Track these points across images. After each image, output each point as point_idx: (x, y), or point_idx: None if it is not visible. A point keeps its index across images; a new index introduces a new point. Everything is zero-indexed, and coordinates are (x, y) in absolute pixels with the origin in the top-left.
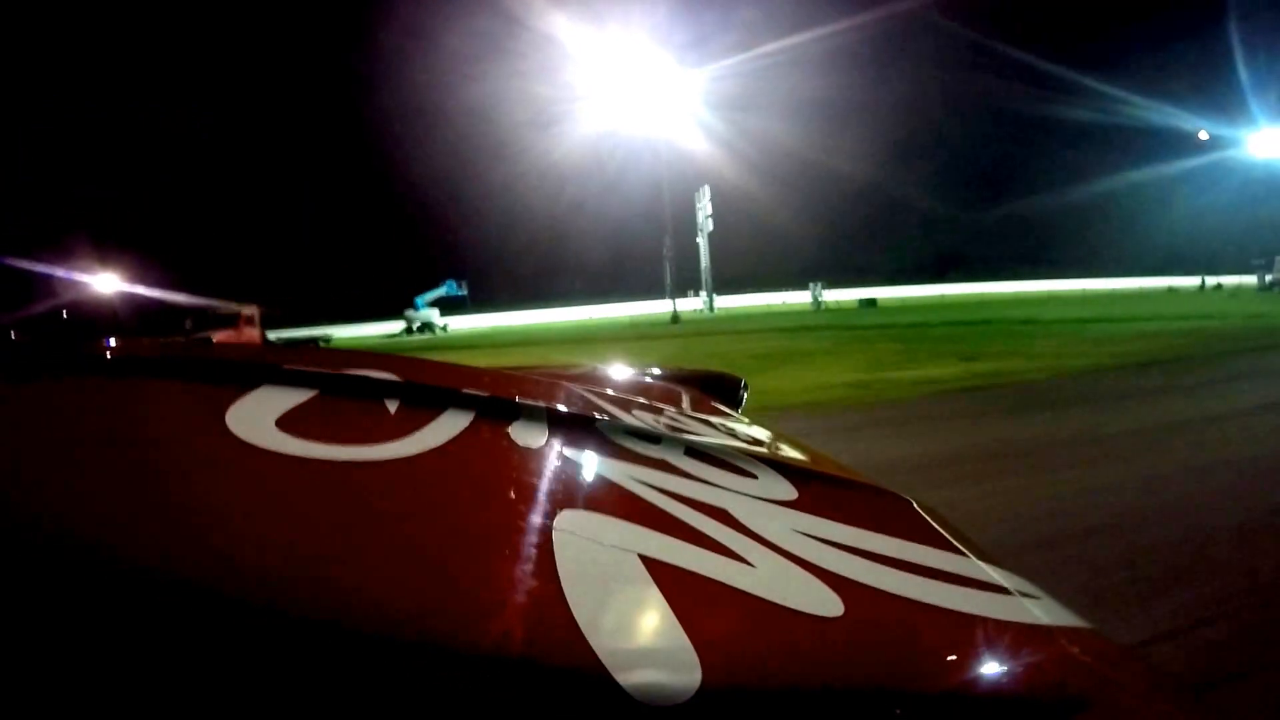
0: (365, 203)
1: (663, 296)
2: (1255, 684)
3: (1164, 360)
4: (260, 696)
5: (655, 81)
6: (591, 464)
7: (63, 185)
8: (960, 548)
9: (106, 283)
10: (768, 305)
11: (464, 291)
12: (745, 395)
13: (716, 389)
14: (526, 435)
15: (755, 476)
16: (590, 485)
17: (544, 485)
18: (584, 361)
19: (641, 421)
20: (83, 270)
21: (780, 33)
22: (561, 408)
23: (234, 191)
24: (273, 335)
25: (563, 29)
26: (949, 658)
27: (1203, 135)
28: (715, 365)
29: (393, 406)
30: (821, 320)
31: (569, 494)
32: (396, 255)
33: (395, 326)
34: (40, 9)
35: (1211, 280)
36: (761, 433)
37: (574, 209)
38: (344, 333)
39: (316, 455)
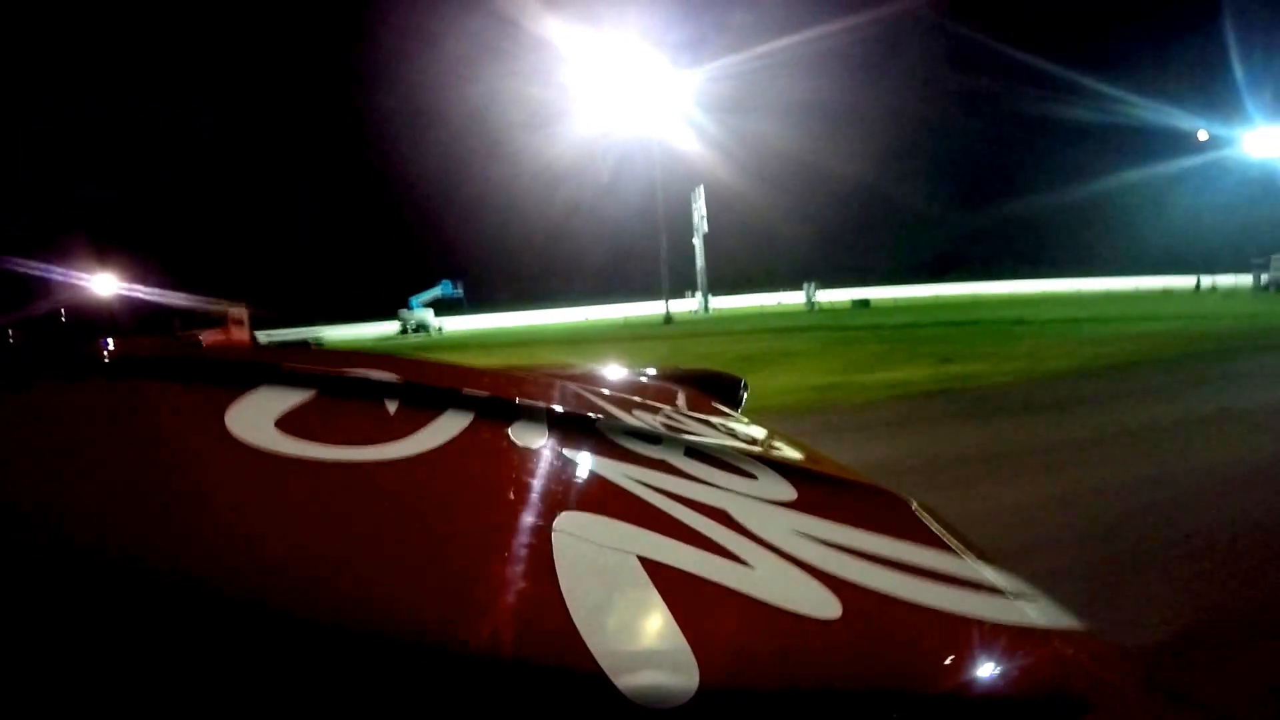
0: (361, 203)
1: (661, 297)
2: None
3: (1137, 362)
4: (260, 698)
5: (652, 82)
6: (591, 465)
7: (59, 185)
8: (959, 549)
9: (101, 283)
10: (762, 306)
11: (459, 292)
12: (745, 395)
13: (716, 388)
14: (526, 436)
15: (755, 477)
16: (590, 486)
17: (543, 486)
18: (573, 361)
19: (641, 422)
20: (78, 270)
21: (778, 33)
22: (561, 408)
23: (229, 192)
24: (262, 337)
25: (558, 30)
26: (946, 659)
27: (1202, 135)
28: (703, 366)
29: (392, 407)
30: (813, 321)
31: (568, 495)
32: (392, 256)
33: (391, 327)
34: (40, 9)
35: (1207, 280)
36: (761, 432)
37: (570, 210)
38: (339, 333)
39: (316, 456)
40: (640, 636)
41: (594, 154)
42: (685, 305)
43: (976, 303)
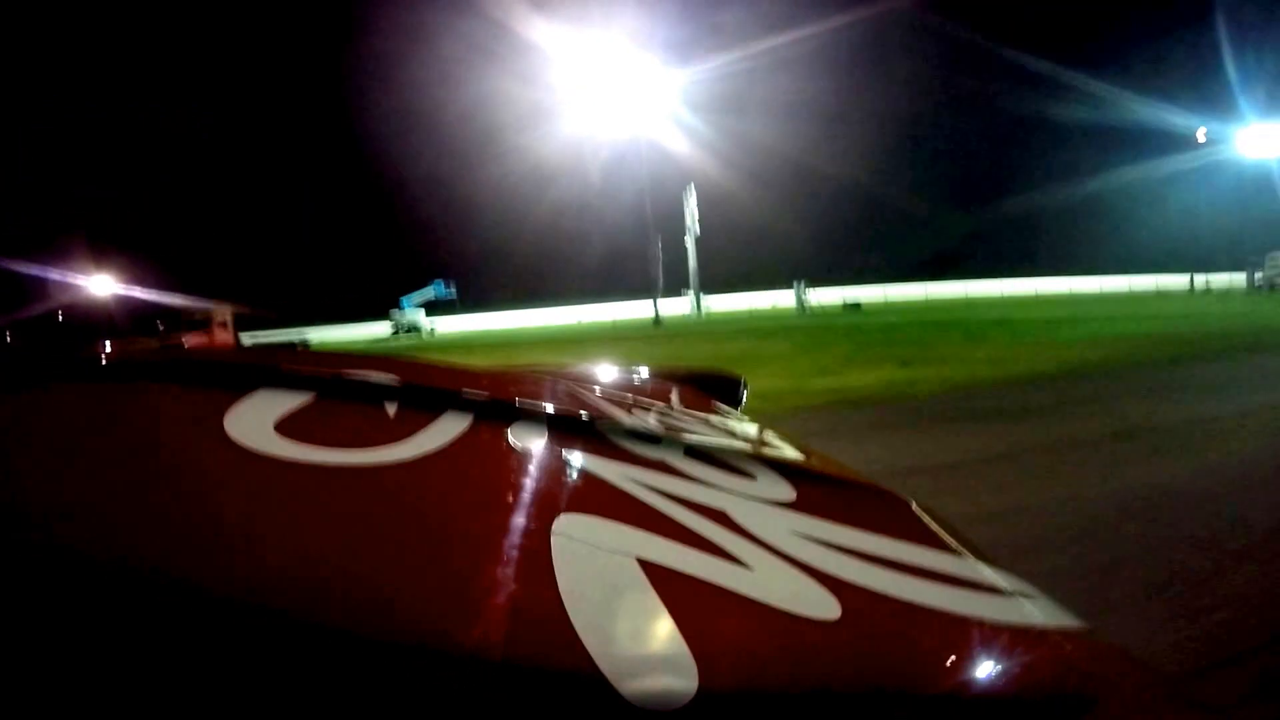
0: (353, 205)
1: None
2: None
3: (1090, 370)
4: (260, 702)
5: (642, 82)
6: (591, 466)
7: (58, 185)
8: (959, 548)
9: (99, 284)
10: (754, 307)
11: (452, 293)
12: (745, 394)
13: (716, 388)
14: (526, 438)
15: (754, 477)
16: (589, 488)
17: (543, 488)
18: (569, 361)
19: (641, 422)
20: (76, 271)
21: (769, 31)
22: (561, 409)
23: (224, 192)
24: (247, 339)
25: (549, 31)
26: (947, 660)
27: (1201, 134)
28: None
29: (391, 410)
30: (802, 322)
31: (568, 497)
32: (385, 257)
33: (383, 328)
34: (40, 8)
35: (1201, 279)
36: (761, 432)
37: (562, 210)
38: (332, 334)
39: (315, 459)
40: (640, 639)
41: (585, 154)
42: (679, 306)
43: (969, 303)
